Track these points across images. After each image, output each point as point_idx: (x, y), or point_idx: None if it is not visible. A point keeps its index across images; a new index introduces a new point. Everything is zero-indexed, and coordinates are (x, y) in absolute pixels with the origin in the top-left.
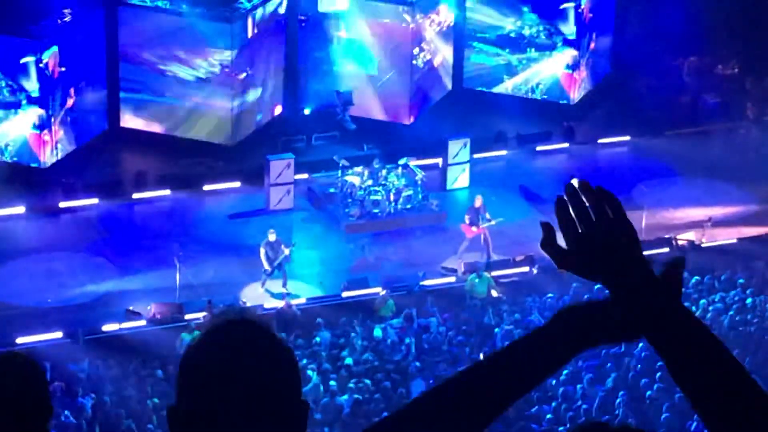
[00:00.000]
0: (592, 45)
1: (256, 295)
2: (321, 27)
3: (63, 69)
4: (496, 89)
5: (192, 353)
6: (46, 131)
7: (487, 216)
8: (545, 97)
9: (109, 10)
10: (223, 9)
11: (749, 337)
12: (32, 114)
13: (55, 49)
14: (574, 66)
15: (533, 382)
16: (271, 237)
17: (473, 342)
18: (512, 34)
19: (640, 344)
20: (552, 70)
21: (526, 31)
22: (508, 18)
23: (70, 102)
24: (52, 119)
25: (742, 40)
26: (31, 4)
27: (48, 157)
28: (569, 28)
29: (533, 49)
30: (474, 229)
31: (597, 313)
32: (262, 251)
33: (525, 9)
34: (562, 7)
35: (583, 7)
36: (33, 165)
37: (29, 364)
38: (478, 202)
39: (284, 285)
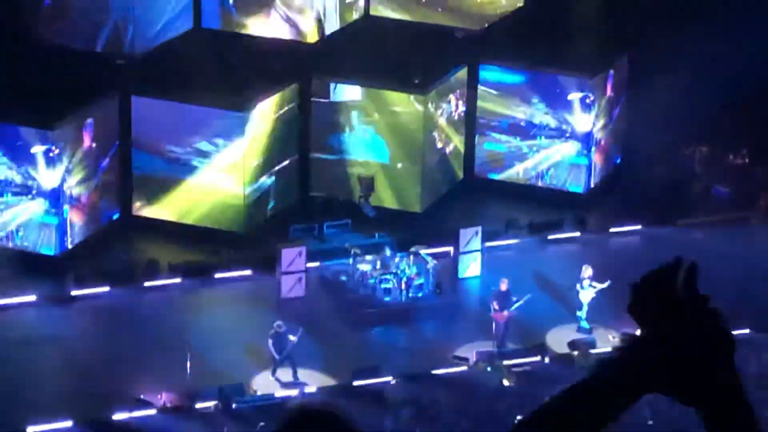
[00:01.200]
0: (602, 133)
1: (267, 383)
2: (334, 115)
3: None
4: (507, 174)
5: None
6: (57, 219)
7: (514, 299)
8: (555, 183)
9: (122, 99)
10: (236, 98)
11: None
12: (43, 202)
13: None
14: (584, 154)
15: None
16: (278, 329)
17: (485, 431)
18: (522, 123)
19: None
20: (562, 158)
21: (537, 120)
22: (519, 107)
23: (82, 189)
24: (65, 207)
25: (753, 130)
26: (44, 93)
27: (59, 245)
28: (579, 117)
29: (543, 137)
30: (505, 313)
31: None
32: (270, 342)
33: (534, 99)
34: (570, 97)
35: (592, 96)
36: (44, 252)
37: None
38: (504, 285)
39: (294, 374)
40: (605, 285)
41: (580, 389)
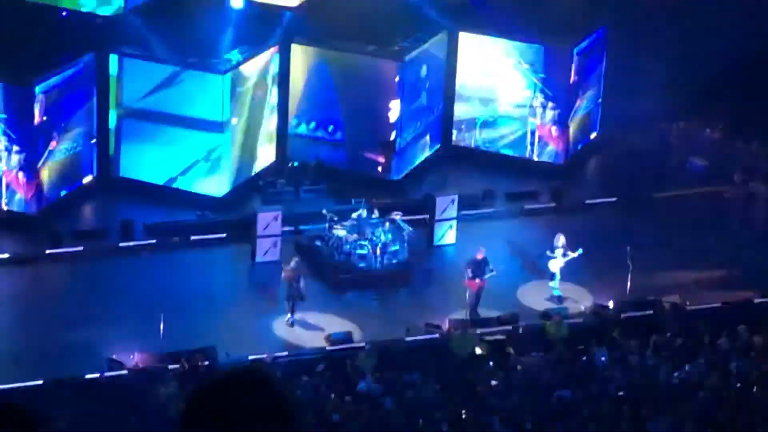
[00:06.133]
0: (579, 104)
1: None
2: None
3: (45, 118)
4: (477, 138)
5: (193, 404)
6: (29, 176)
7: (490, 267)
8: (531, 154)
9: (100, 57)
10: (215, 61)
11: (731, 400)
12: (14, 158)
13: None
14: (561, 125)
15: None
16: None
17: (456, 398)
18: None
19: None
20: (540, 129)
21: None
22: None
23: (53, 144)
24: (37, 165)
25: (729, 104)
26: (19, 50)
27: (33, 203)
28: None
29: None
30: (477, 281)
31: None
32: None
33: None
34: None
35: (572, 69)
36: (18, 210)
37: (22, 415)
38: (480, 254)
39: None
40: (577, 254)
41: None
